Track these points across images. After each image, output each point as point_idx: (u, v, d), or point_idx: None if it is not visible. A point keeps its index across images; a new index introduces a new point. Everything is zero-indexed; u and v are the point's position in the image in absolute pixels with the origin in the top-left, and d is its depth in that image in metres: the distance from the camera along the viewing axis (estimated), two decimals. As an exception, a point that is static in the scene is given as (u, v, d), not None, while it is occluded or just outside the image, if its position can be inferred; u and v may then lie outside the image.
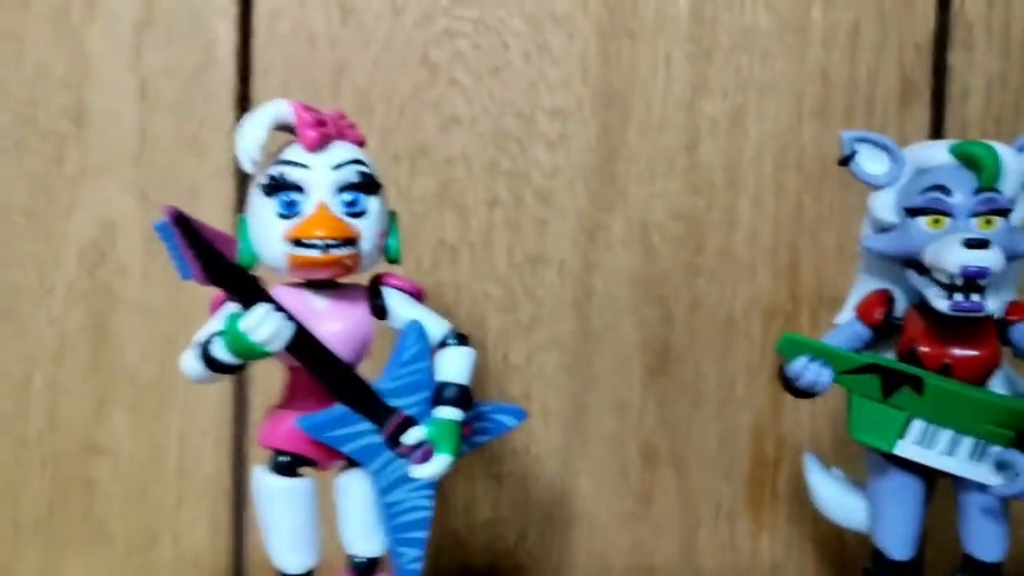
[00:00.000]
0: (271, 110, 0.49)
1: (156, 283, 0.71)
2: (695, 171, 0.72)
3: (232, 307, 0.48)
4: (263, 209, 0.50)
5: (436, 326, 0.53)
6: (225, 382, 0.69)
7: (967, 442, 0.53)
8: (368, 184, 0.50)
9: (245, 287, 0.47)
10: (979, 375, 0.54)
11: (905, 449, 0.54)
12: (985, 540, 0.56)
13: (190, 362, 0.49)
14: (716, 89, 0.72)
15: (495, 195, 0.72)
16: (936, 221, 0.52)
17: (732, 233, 0.72)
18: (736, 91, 0.72)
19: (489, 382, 0.72)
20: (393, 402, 0.51)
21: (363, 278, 0.53)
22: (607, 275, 0.72)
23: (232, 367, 0.48)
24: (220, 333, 0.47)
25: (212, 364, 0.48)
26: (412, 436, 0.51)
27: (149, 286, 0.71)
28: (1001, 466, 0.53)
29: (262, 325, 0.46)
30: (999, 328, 0.54)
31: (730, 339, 0.72)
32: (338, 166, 0.50)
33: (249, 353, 0.47)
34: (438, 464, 0.51)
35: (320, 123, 0.50)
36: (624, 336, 0.72)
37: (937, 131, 0.72)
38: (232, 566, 0.73)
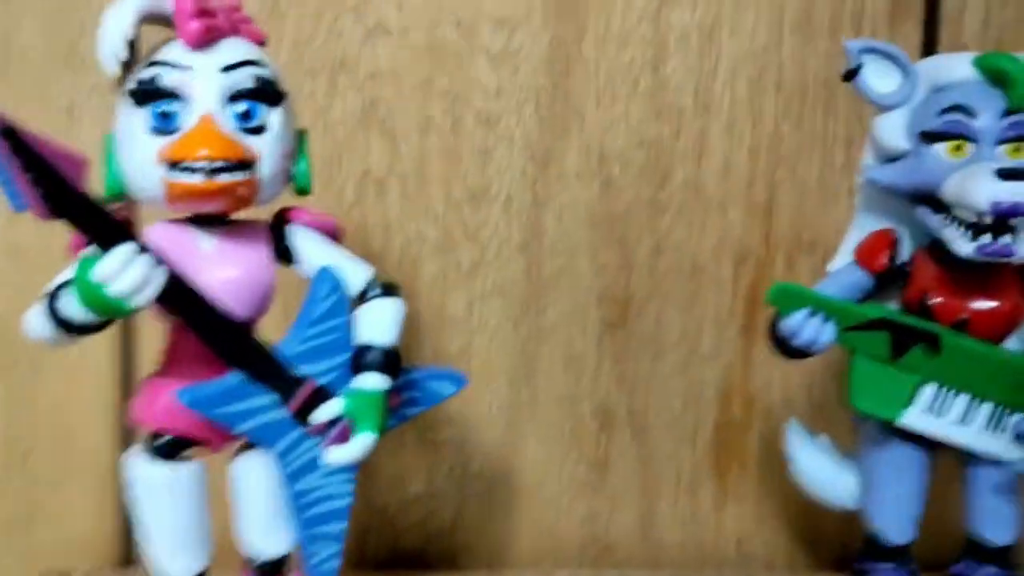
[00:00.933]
0: (142, -1, 0.40)
1: (25, 221, 0.60)
2: (660, 92, 0.65)
3: (89, 250, 0.39)
4: (132, 123, 0.41)
5: (356, 273, 0.45)
6: (107, 336, 0.60)
7: (984, 410, 0.48)
8: (268, 91, 0.42)
9: (99, 222, 0.38)
10: (1000, 331, 0.49)
11: (914, 419, 0.48)
12: (996, 521, 0.51)
13: (36, 319, 0.40)
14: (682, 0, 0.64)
15: (429, 118, 0.64)
16: (957, 148, 0.46)
17: (701, 164, 0.65)
18: (707, 2, 0.64)
19: (423, 338, 0.65)
20: (302, 369, 0.44)
21: (265, 213, 0.45)
22: (560, 212, 0.65)
23: (88, 326, 0.39)
24: (70, 283, 0.38)
25: (62, 322, 0.39)
26: (326, 411, 0.44)
27: (16, 225, 0.62)
28: (1019, 438, 0.47)
29: (122, 272, 0.38)
30: (1022, 277, 0.48)
31: (696, 286, 0.66)
32: (228, 68, 0.41)
33: (107, 309, 0.38)
34: (358, 445, 0.44)
35: (205, 13, 0.41)
36: (578, 283, 0.66)
37: (929, 52, 0.65)
38: (122, 551, 0.66)
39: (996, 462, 0.49)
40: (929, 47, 0.65)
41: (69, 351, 0.59)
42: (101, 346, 0.63)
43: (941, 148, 0.46)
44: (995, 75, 0.46)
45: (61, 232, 0.54)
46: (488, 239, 0.65)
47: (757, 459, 0.67)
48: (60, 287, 0.39)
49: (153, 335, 0.60)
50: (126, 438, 0.64)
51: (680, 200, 0.65)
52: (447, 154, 0.64)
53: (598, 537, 0.67)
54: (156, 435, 0.44)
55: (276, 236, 0.44)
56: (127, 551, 0.65)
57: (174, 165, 0.40)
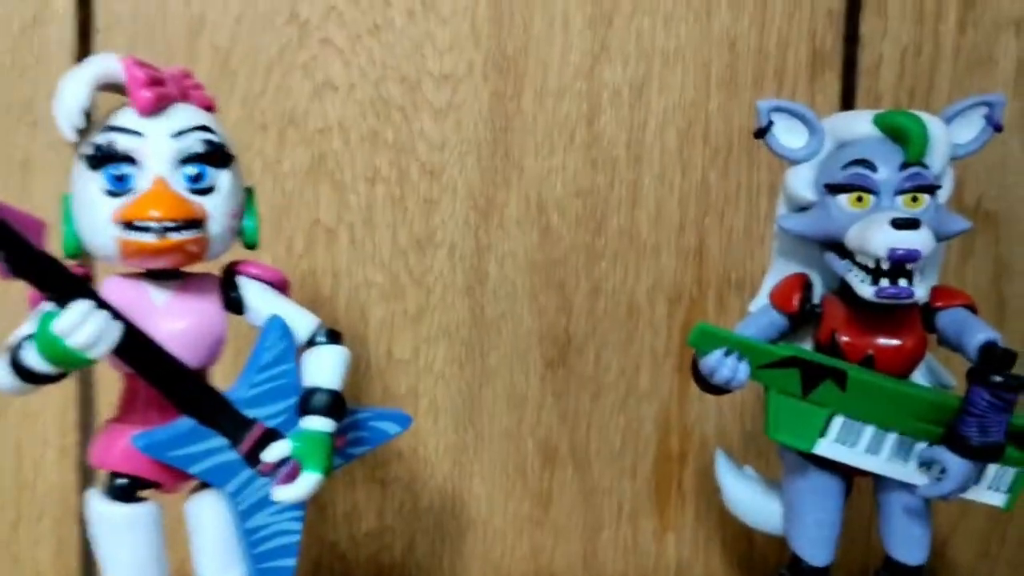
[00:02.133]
0: (96, 65, 0.42)
1: None
2: (595, 144, 0.67)
3: (48, 305, 0.40)
4: (88, 185, 0.43)
5: (302, 321, 0.46)
6: (69, 384, 0.60)
7: (891, 439, 0.50)
8: (216, 155, 0.43)
9: (58, 280, 0.40)
10: (903, 366, 0.50)
11: (827, 448, 0.50)
12: (908, 542, 0.52)
13: (1, 372, 0.40)
14: (617, 56, 0.67)
15: (376, 169, 0.65)
16: (859, 199, 0.48)
17: (635, 212, 0.67)
18: (638, 59, 0.67)
19: (372, 379, 0.66)
20: (251, 413, 0.45)
21: (216, 266, 0.46)
22: (502, 258, 0.67)
23: (48, 376, 0.41)
24: (31, 336, 0.39)
25: (24, 374, 0.40)
26: (274, 452, 0.45)
27: None
28: (927, 464, 0.49)
29: (81, 326, 0.39)
30: (924, 315, 0.50)
31: (633, 326, 0.68)
32: (179, 133, 0.43)
33: (67, 360, 0.40)
34: (305, 483, 0.45)
35: (156, 82, 0.42)
36: (520, 325, 0.67)
37: (848, 102, 0.69)
38: None
39: (906, 487, 0.50)
40: (848, 97, 0.68)
41: (25, 399, 0.61)
42: (61, 390, 0.62)
43: (844, 199, 0.48)
44: (894, 132, 0.48)
45: (17, 287, 0.55)
46: (433, 285, 0.66)
47: (694, 489, 0.69)
48: (21, 340, 0.40)
49: (111, 380, 0.62)
50: (87, 479, 0.64)
51: (616, 245, 0.67)
52: (393, 204, 0.65)
53: (543, 568, 0.68)
54: (114, 477, 0.44)
55: (226, 288, 0.45)
56: (86, 591, 0.65)
57: (128, 225, 0.41)
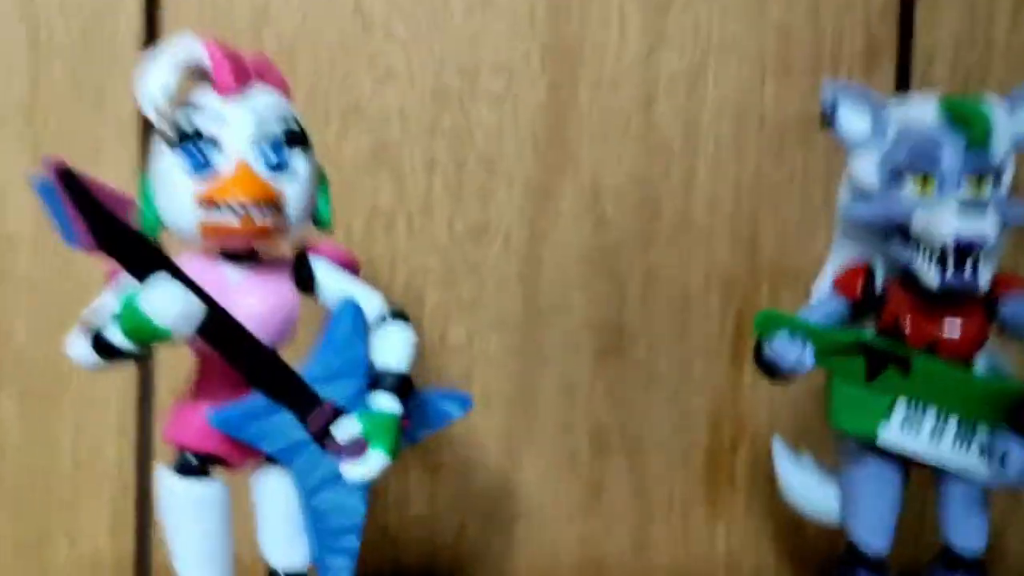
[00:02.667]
0: (181, 49, 0.43)
1: (48, 254, 0.64)
2: (651, 133, 0.67)
3: (130, 282, 0.41)
4: (169, 165, 0.43)
5: (372, 303, 0.47)
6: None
7: (953, 426, 0.49)
8: (295, 137, 0.44)
9: (144, 257, 0.40)
10: (967, 353, 0.50)
11: (889, 436, 0.50)
12: (967, 530, 0.52)
13: (79, 346, 0.42)
14: (673, 45, 0.67)
15: (434, 158, 0.66)
16: (924, 184, 0.48)
17: (689, 201, 0.68)
18: (694, 48, 0.67)
19: (426, 364, 0.67)
20: (322, 391, 0.45)
21: (287, 247, 0.47)
22: (556, 247, 0.67)
23: (131, 353, 0.41)
24: (118, 315, 0.40)
25: (106, 350, 0.41)
26: (345, 431, 0.45)
27: (40, 257, 0.64)
28: (990, 453, 0.49)
29: (166, 305, 0.40)
30: (986, 302, 0.50)
31: (686, 315, 0.68)
32: (260, 116, 0.43)
33: (151, 337, 0.40)
34: (375, 462, 0.45)
35: (239, 65, 0.43)
36: (573, 314, 0.68)
37: (902, 91, 0.68)
38: (136, 569, 0.66)
39: (967, 476, 0.50)
40: (903, 87, 0.68)
41: (87, 374, 0.62)
42: (119, 371, 0.63)
43: (909, 184, 0.48)
44: (958, 116, 0.48)
45: (77, 267, 0.56)
46: (488, 272, 0.67)
47: (746, 480, 0.69)
48: (103, 317, 0.41)
49: (170, 359, 0.63)
50: (144, 458, 0.65)
51: (669, 235, 0.67)
52: (450, 192, 0.66)
53: (593, 558, 0.69)
54: (184, 453, 0.45)
55: (299, 269, 0.46)
56: (144, 571, 0.66)
57: (210, 205, 0.42)
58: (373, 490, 0.66)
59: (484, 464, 0.68)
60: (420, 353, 0.65)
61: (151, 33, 0.64)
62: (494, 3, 0.65)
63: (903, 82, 0.68)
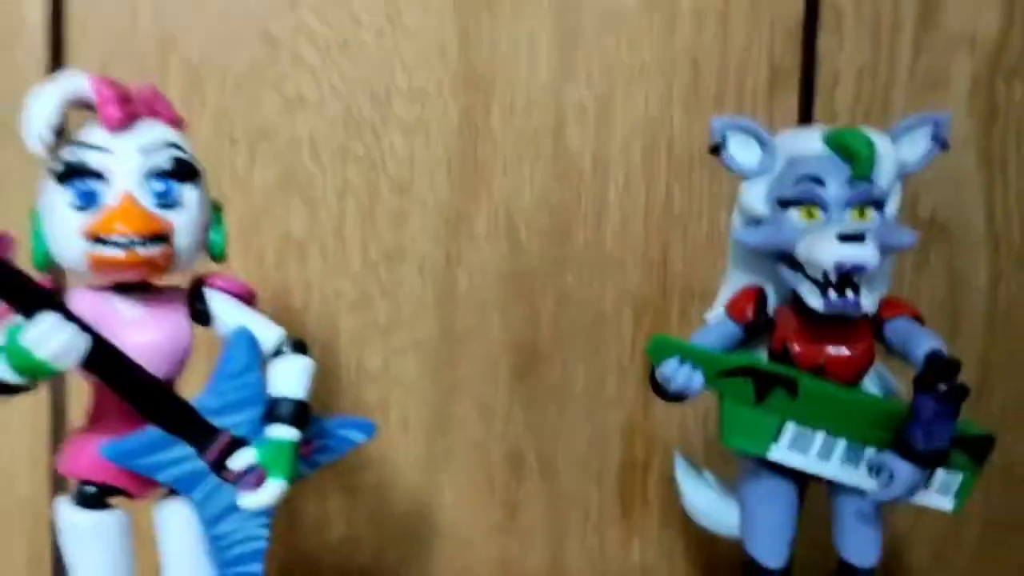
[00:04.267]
0: (64, 83, 0.43)
1: None
2: (562, 159, 0.68)
3: (16, 318, 0.41)
4: (57, 199, 0.44)
5: (268, 333, 0.47)
6: (40, 393, 0.61)
7: (842, 445, 0.51)
8: (183, 170, 0.44)
9: (25, 292, 0.41)
10: (853, 374, 0.52)
11: (779, 454, 0.51)
12: (860, 545, 0.54)
13: None
14: (582, 74, 0.68)
15: (346, 184, 0.67)
16: (809, 213, 0.50)
17: (600, 225, 0.69)
18: (603, 75, 0.68)
19: (342, 390, 0.67)
20: (218, 421, 0.46)
21: (184, 280, 0.47)
22: (471, 271, 0.68)
23: (17, 387, 0.41)
24: (2, 350, 0.40)
25: None
26: (241, 460, 0.46)
27: None
28: (876, 469, 0.51)
29: (49, 338, 0.40)
30: (873, 325, 0.52)
31: (599, 336, 0.70)
32: (146, 150, 0.44)
33: (36, 372, 0.41)
34: (270, 491, 0.46)
35: (124, 99, 0.43)
36: (489, 336, 0.69)
37: (806, 119, 0.70)
38: None
39: (857, 491, 0.51)
40: (806, 114, 0.70)
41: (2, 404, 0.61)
42: (33, 400, 0.61)
43: (795, 213, 0.49)
44: (842, 149, 0.49)
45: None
46: (403, 297, 0.67)
47: (659, 496, 0.70)
48: None
49: (83, 389, 0.62)
50: (59, 489, 0.65)
51: (582, 257, 0.68)
52: (363, 218, 0.66)
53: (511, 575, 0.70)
54: (83, 484, 0.45)
55: (193, 300, 0.46)
56: (58, 600, 0.65)
57: (97, 239, 0.42)
58: (290, 512, 0.67)
59: (402, 486, 0.69)
60: (336, 379, 0.68)
61: (56, 62, 0.64)
62: (404, 28, 0.66)
63: (806, 109, 0.70)
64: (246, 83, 0.65)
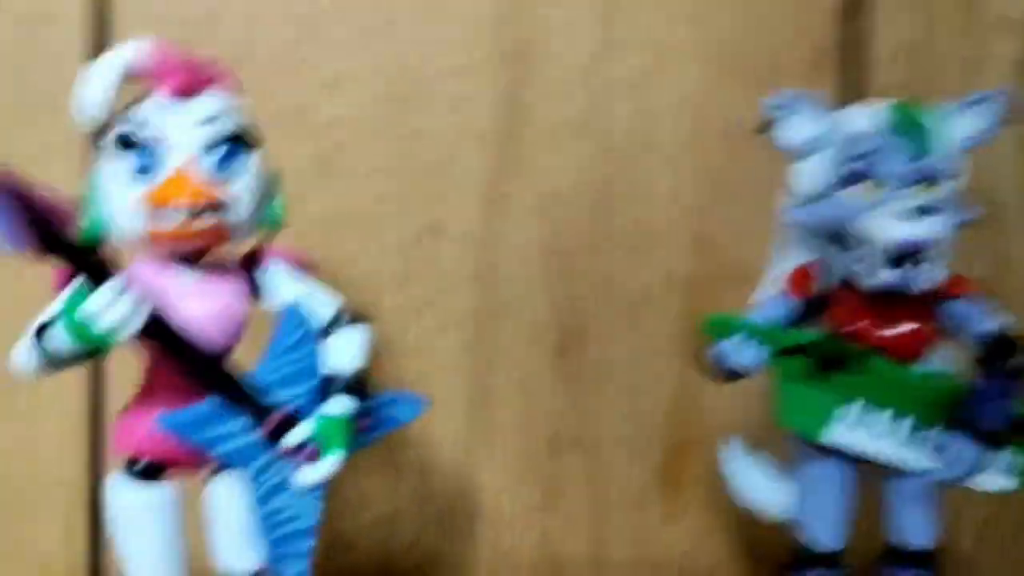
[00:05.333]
0: (124, 53, 0.42)
1: None
2: (604, 135, 0.67)
3: (75, 288, 0.41)
4: (114, 171, 0.43)
5: (325, 304, 0.47)
6: (78, 373, 0.62)
7: (902, 424, 0.51)
8: (242, 139, 0.44)
9: (88, 263, 0.40)
10: (913, 353, 0.51)
11: (837, 434, 0.50)
12: (917, 527, 0.53)
13: (24, 353, 0.41)
14: (623, 50, 0.67)
15: (386, 161, 0.66)
16: (868, 190, 0.49)
17: (644, 202, 0.68)
18: (645, 51, 0.67)
19: (382, 367, 0.66)
20: (273, 395, 0.45)
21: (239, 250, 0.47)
22: (512, 248, 0.67)
23: (75, 358, 0.41)
24: (59, 318, 0.40)
25: (50, 356, 0.41)
26: (296, 435, 0.45)
27: None
28: (937, 449, 0.50)
29: (108, 309, 0.40)
30: (933, 303, 0.51)
31: (642, 315, 0.69)
32: (205, 118, 0.43)
33: (94, 342, 0.40)
34: (326, 465, 0.45)
35: (185, 68, 0.43)
36: (530, 313, 0.68)
37: (849, 99, 0.68)
38: None
39: (915, 473, 0.51)
40: (849, 94, 0.68)
41: (39, 385, 0.61)
42: (71, 379, 0.63)
43: (854, 190, 0.49)
44: (901, 124, 0.49)
45: (28, 273, 0.55)
46: (443, 274, 0.67)
47: (701, 477, 0.69)
48: (47, 322, 0.41)
49: (122, 368, 0.62)
50: (95, 468, 0.65)
51: (624, 235, 0.68)
52: (404, 195, 0.66)
53: (551, 557, 0.69)
54: (135, 460, 0.45)
55: (250, 271, 0.46)
56: (96, 579, 0.65)
57: (154, 210, 0.42)
58: (331, 489, 0.66)
59: (443, 465, 0.68)
60: (376, 356, 0.66)
61: (97, 39, 0.63)
62: (444, 5, 0.65)
63: (849, 89, 0.69)
64: (286, 61, 0.64)
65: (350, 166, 0.65)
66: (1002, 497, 0.52)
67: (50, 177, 0.61)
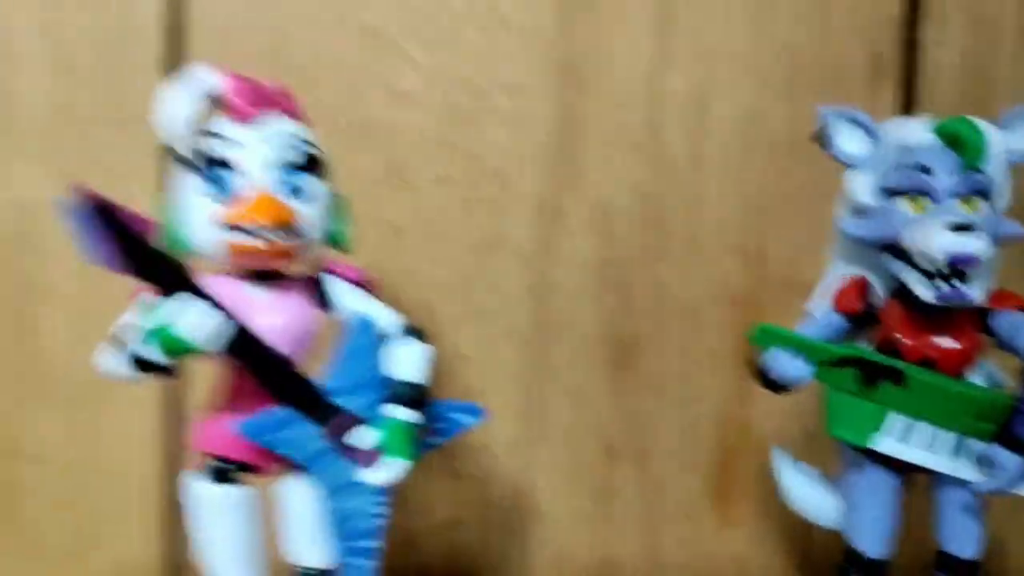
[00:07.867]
0: (199, 82, 0.45)
1: (81, 270, 0.65)
2: (658, 150, 0.69)
3: (157, 300, 0.44)
4: (192, 190, 0.46)
5: (387, 319, 0.49)
6: None
7: (947, 437, 0.51)
8: (312, 162, 0.47)
9: (172, 278, 0.43)
10: (959, 367, 0.52)
11: (884, 445, 0.51)
12: (963, 537, 0.54)
13: (112, 360, 0.44)
14: (679, 64, 0.68)
15: (447, 173, 0.68)
16: (918, 203, 0.50)
17: (697, 216, 0.69)
18: (700, 66, 0.68)
19: (439, 376, 0.68)
20: (341, 401, 0.48)
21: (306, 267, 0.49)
22: (566, 260, 0.69)
23: (164, 367, 0.44)
24: (150, 332, 0.43)
25: (142, 364, 0.44)
26: (364, 439, 0.48)
27: (73, 273, 0.66)
28: (982, 461, 0.51)
29: (198, 323, 0.43)
30: (980, 317, 0.52)
31: (694, 327, 0.70)
32: (278, 143, 0.46)
33: (184, 353, 0.43)
34: (392, 469, 0.48)
35: (256, 93, 0.45)
36: (584, 325, 0.69)
37: (907, 109, 0.70)
38: (167, 574, 0.68)
39: (960, 483, 0.52)
40: (907, 104, 0.69)
41: (118, 393, 0.64)
42: (150, 385, 0.64)
43: (903, 203, 0.49)
44: (951, 138, 0.49)
45: (109, 283, 0.58)
46: (499, 285, 0.68)
47: (753, 485, 0.70)
48: (135, 333, 0.43)
49: (197, 374, 0.65)
50: (172, 469, 0.67)
51: (677, 249, 0.69)
52: (462, 206, 0.68)
53: (606, 560, 0.70)
54: (214, 460, 0.48)
55: (317, 287, 0.49)
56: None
57: (236, 229, 0.44)
58: (399, 495, 0.69)
59: (501, 472, 0.70)
60: (433, 365, 0.68)
61: (173, 56, 0.66)
62: (505, 22, 0.67)
63: (908, 99, 0.69)
64: (352, 77, 0.66)
65: (411, 179, 0.67)
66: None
67: (128, 191, 0.66)
